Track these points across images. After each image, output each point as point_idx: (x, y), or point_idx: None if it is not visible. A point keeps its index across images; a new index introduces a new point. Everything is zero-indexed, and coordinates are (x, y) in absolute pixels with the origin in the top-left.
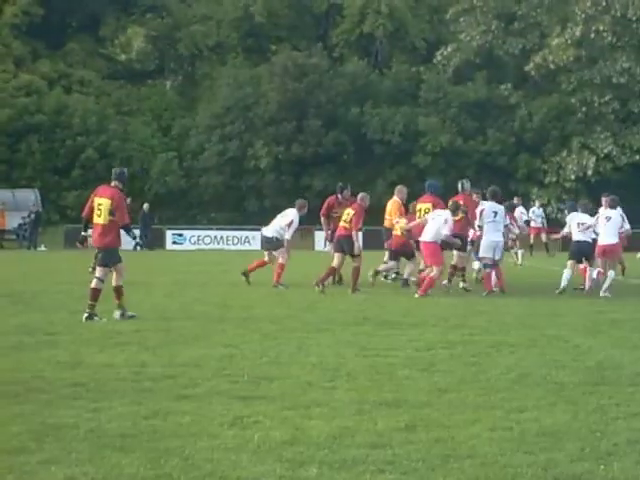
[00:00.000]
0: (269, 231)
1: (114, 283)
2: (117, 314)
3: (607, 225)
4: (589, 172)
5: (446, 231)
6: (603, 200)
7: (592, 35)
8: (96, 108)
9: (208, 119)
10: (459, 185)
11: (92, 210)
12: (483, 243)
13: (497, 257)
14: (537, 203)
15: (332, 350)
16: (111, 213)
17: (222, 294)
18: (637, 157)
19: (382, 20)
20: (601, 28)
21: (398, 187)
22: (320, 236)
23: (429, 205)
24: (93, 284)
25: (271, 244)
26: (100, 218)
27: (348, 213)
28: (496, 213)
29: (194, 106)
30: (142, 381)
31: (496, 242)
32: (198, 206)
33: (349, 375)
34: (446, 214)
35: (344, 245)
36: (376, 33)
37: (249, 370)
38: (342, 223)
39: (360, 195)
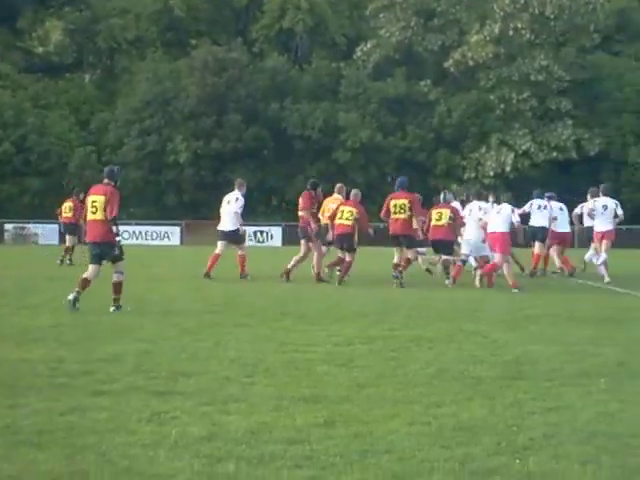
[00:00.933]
0: (226, 225)
1: (88, 276)
2: (112, 309)
3: (604, 213)
4: (507, 168)
5: (517, 218)
6: (592, 191)
7: (511, 32)
8: (13, 101)
9: (127, 113)
10: (441, 196)
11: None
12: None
13: (487, 252)
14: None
15: (251, 345)
16: (106, 209)
17: (141, 289)
18: (554, 154)
19: (302, 15)
20: (519, 26)
21: (338, 185)
22: None
23: (404, 201)
24: (114, 279)
25: (233, 237)
26: (96, 214)
27: (350, 211)
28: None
29: (113, 100)
30: (59, 377)
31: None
32: None
33: (267, 370)
34: (508, 206)
35: (344, 241)
36: (296, 28)
37: (167, 366)
38: (343, 221)
39: (353, 192)
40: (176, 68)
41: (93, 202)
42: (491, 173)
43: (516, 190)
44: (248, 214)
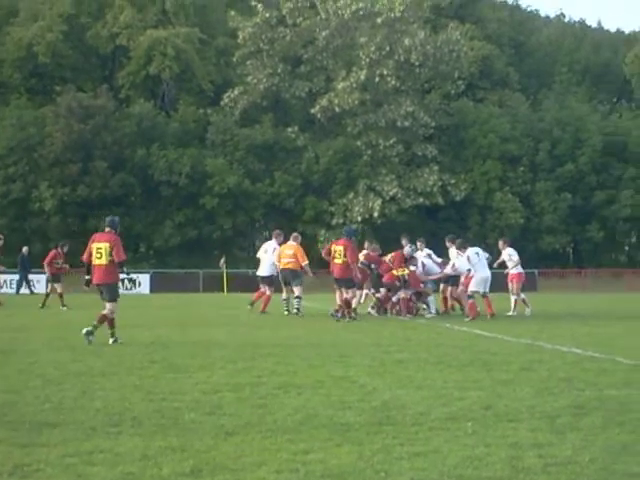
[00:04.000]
0: (265, 271)
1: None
2: (111, 340)
3: (481, 260)
4: (375, 214)
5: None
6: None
7: (377, 79)
8: None
9: None
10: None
11: (91, 255)
12: (476, 279)
13: (486, 289)
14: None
15: (118, 394)
16: (110, 254)
17: (5, 339)
18: (421, 199)
19: (169, 62)
20: (385, 72)
21: (294, 234)
22: None
23: (342, 247)
24: (106, 312)
25: (270, 281)
26: (101, 259)
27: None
28: (478, 254)
29: None
30: None
31: (487, 277)
32: None
33: (134, 420)
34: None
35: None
36: (162, 75)
37: (31, 416)
38: (338, 260)
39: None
40: (41, 114)
41: (98, 249)
42: (359, 218)
43: (383, 235)
44: None
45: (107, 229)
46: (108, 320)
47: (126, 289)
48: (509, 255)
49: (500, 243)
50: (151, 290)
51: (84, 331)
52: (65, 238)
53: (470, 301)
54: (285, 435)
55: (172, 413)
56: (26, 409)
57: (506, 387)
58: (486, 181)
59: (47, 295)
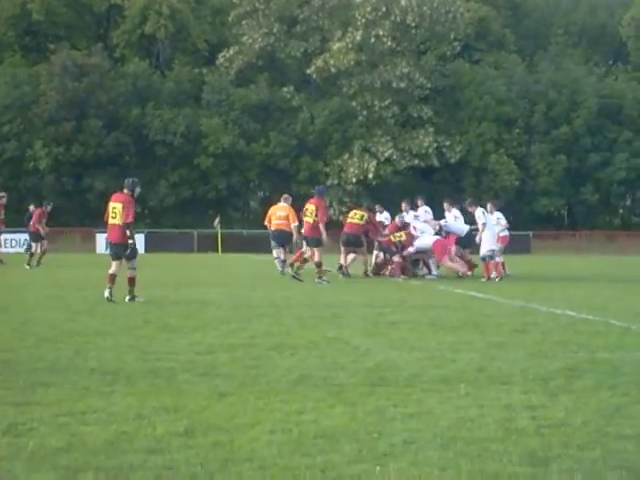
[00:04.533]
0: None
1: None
2: (127, 298)
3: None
4: (370, 175)
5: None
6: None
7: (372, 40)
8: None
9: None
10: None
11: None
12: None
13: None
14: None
15: (112, 354)
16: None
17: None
18: (416, 161)
19: (164, 21)
20: (381, 33)
21: (284, 196)
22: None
23: (314, 207)
24: (128, 274)
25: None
26: (115, 219)
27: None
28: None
29: None
30: None
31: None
32: None
33: (128, 380)
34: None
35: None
36: (157, 34)
37: (25, 376)
38: (352, 220)
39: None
40: (35, 72)
41: (114, 208)
42: (354, 180)
43: (378, 196)
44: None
45: (125, 190)
46: (129, 279)
47: None
48: (497, 219)
49: (489, 206)
50: (145, 250)
51: (105, 295)
52: (60, 197)
53: (492, 261)
54: (278, 396)
55: (166, 373)
56: (20, 368)
57: (499, 349)
58: (481, 143)
59: (43, 253)
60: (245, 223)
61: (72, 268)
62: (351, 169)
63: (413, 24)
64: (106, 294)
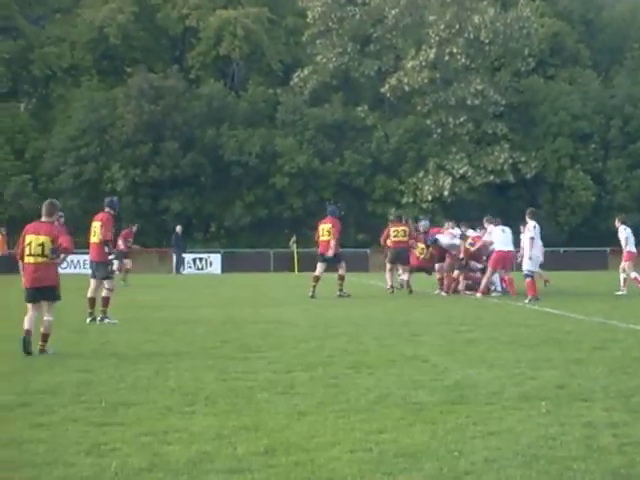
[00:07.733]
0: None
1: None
2: (98, 318)
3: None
4: (445, 192)
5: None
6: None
7: (446, 57)
8: None
9: (63, 141)
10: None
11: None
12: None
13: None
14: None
15: (191, 374)
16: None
17: (80, 319)
18: (491, 177)
19: (238, 42)
20: (455, 50)
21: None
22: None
23: (330, 225)
24: (104, 294)
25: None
26: (94, 237)
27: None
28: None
29: (48, 128)
30: None
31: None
32: None
33: (208, 399)
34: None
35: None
36: (232, 55)
37: (106, 396)
38: (399, 237)
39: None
40: (112, 96)
41: (94, 227)
42: (429, 197)
43: (453, 214)
44: (187, 241)
45: (106, 209)
46: (103, 299)
47: (198, 269)
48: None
49: (616, 221)
50: (222, 270)
51: (98, 319)
52: (137, 218)
53: (528, 280)
54: (358, 415)
55: (245, 392)
56: (101, 388)
57: (579, 366)
58: (557, 159)
59: (127, 271)
60: None
61: (150, 288)
62: (426, 187)
63: (487, 41)
64: (98, 318)
